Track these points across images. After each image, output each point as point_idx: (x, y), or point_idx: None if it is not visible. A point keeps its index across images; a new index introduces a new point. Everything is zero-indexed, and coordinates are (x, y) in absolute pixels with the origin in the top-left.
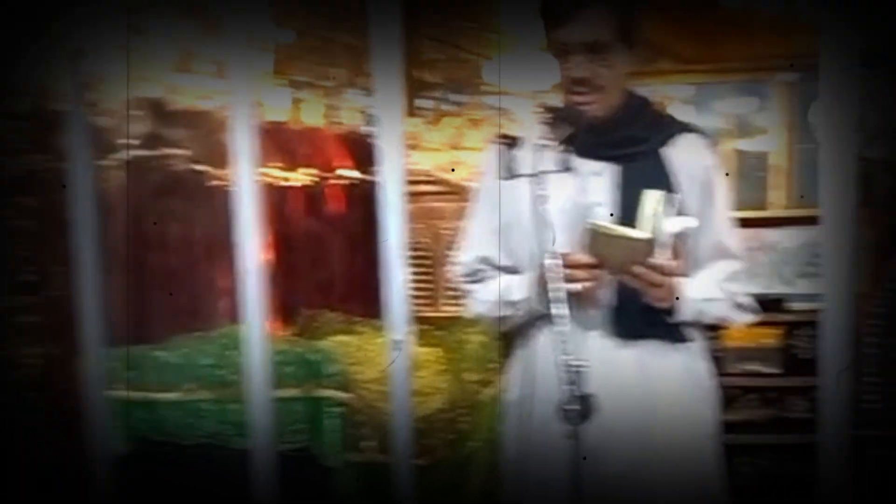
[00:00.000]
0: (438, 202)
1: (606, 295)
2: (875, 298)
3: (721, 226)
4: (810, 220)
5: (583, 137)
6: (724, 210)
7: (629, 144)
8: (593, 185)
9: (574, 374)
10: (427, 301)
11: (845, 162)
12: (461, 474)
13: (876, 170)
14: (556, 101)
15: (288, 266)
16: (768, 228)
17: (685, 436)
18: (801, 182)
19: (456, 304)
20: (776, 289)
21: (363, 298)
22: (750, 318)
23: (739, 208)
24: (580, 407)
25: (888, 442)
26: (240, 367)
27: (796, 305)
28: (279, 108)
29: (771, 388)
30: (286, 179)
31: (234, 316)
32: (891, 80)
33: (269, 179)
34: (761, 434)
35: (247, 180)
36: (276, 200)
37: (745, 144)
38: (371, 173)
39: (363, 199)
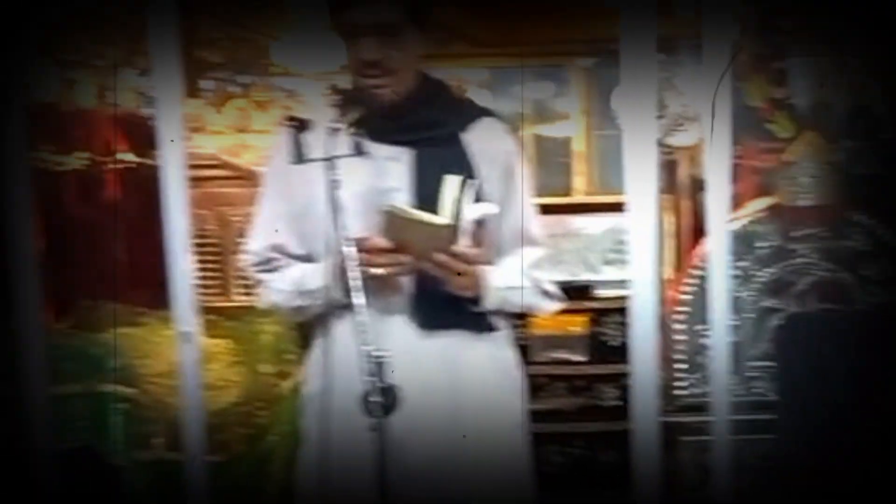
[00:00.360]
0: (226, 187)
1: (408, 283)
2: (681, 285)
3: (523, 212)
4: (614, 207)
5: (376, 121)
6: (525, 196)
7: (425, 128)
8: (389, 170)
9: (376, 365)
10: (217, 291)
11: (647, 148)
12: (260, 470)
13: (678, 156)
14: (347, 82)
15: (64, 255)
16: (572, 215)
17: (492, 426)
18: (604, 168)
19: (248, 294)
20: (582, 276)
21: (147, 288)
22: (556, 305)
23: (542, 194)
24: (383, 399)
25: (698, 428)
26: (14, 363)
27: (603, 292)
28: (48, 88)
29: (580, 376)
30: (59, 164)
31: (6, 309)
32: (688, 68)
33: (40, 164)
34: (571, 422)
35: (16, 165)
36: (49, 186)
37: (545, 130)
38: (151, 157)
39: (143, 184)
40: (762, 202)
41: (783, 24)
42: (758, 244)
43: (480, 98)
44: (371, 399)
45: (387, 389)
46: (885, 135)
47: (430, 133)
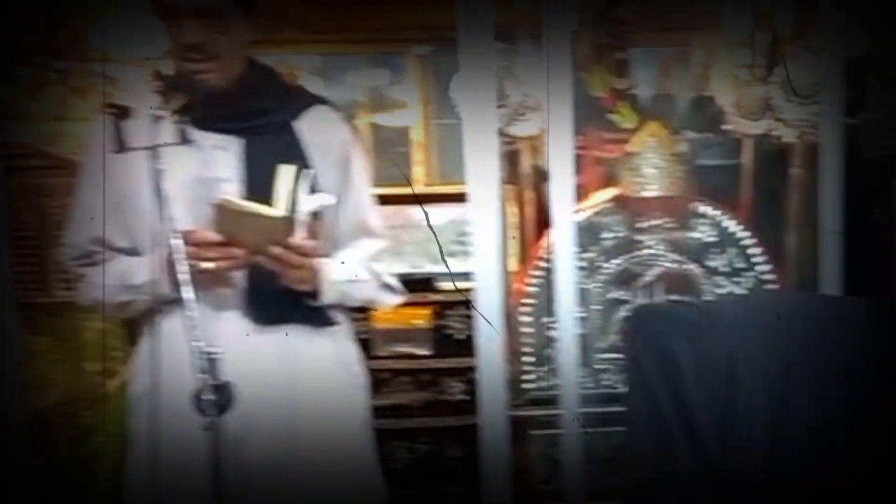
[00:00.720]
0: (43, 178)
1: (241, 277)
2: (527, 277)
3: (361, 203)
4: (456, 198)
5: (201, 108)
6: (363, 186)
7: (255, 116)
8: (217, 159)
9: (208, 362)
10: (36, 285)
11: (488, 138)
12: (86, 473)
13: (520, 146)
14: (170, 68)
15: None
16: (413, 206)
17: (334, 422)
18: (444, 158)
19: (69, 289)
20: (425, 268)
21: None
22: (397, 298)
23: (381, 185)
24: (217, 396)
25: (547, 421)
26: None
27: (447, 285)
28: None
29: (425, 371)
30: None
31: None
32: (528, 57)
33: None
34: (417, 418)
35: None
36: None
37: (382, 118)
38: None
39: None
40: (607, 193)
41: (623, 14)
42: (603, 235)
43: (313, 85)
44: (204, 397)
45: (220, 387)
46: (729, 125)
47: (259, 121)
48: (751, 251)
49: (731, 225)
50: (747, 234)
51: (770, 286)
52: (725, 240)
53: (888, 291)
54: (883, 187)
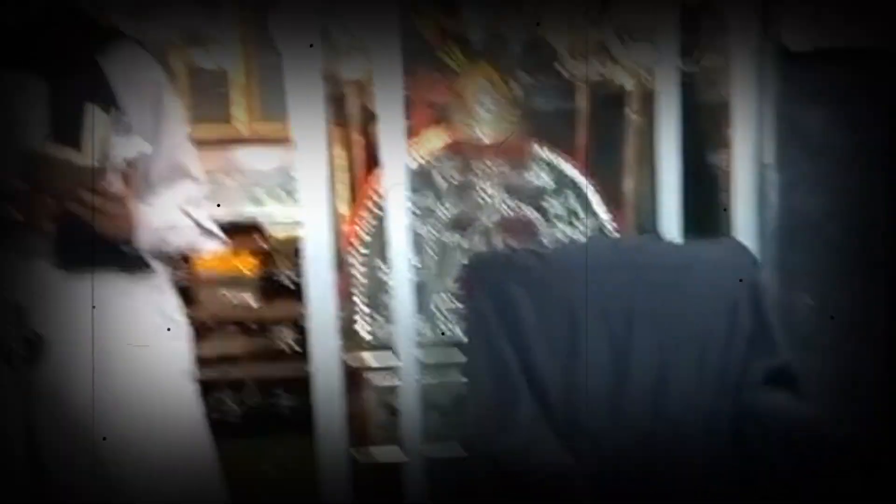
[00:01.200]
0: None
1: (50, 224)
2: (358, 221)
3: (176, 146)
4: (280, 140)
5: None
6: (178, 129)
7: (56, 54)
8: (20, 101)
9: (15, 312)
10: None
11: (312, 79)
12: None
13: (346, 88)
14: None
15: None
16: (233, 147)
17: (153, 373)
18: (267, 99)
19: None
20: (249, 213)
21: None
22: (217, 244)
23: (199, 127)
24: (25, 348)
25: (383, 369)
26: None
27: (274, 230)
28: None
29: (252, 319)
30: None
31: None
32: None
33: None
34: (246, 367)
35: None
36: None
37: (199, 57)
38: None
39: None
40: (440, 137)
41: None
42: (437, 180)
43: (122, 23)
44: (12, 349)
45: (29, 338)
46: (565, 69)
47: (61, 59)
48: (589, 196)
49: (568, 168)
50: (584, 179)
51: (609, 231)
52: (562, 183)
53: (726, 234)
54: (719, 131)
